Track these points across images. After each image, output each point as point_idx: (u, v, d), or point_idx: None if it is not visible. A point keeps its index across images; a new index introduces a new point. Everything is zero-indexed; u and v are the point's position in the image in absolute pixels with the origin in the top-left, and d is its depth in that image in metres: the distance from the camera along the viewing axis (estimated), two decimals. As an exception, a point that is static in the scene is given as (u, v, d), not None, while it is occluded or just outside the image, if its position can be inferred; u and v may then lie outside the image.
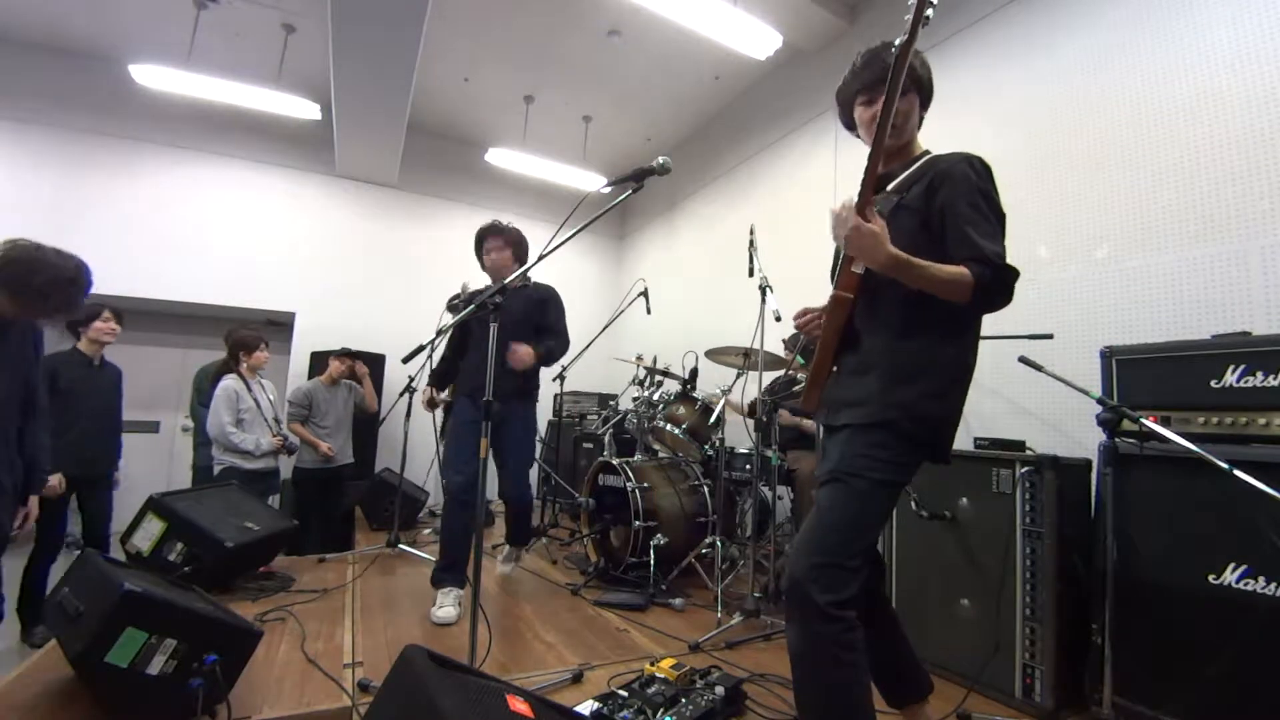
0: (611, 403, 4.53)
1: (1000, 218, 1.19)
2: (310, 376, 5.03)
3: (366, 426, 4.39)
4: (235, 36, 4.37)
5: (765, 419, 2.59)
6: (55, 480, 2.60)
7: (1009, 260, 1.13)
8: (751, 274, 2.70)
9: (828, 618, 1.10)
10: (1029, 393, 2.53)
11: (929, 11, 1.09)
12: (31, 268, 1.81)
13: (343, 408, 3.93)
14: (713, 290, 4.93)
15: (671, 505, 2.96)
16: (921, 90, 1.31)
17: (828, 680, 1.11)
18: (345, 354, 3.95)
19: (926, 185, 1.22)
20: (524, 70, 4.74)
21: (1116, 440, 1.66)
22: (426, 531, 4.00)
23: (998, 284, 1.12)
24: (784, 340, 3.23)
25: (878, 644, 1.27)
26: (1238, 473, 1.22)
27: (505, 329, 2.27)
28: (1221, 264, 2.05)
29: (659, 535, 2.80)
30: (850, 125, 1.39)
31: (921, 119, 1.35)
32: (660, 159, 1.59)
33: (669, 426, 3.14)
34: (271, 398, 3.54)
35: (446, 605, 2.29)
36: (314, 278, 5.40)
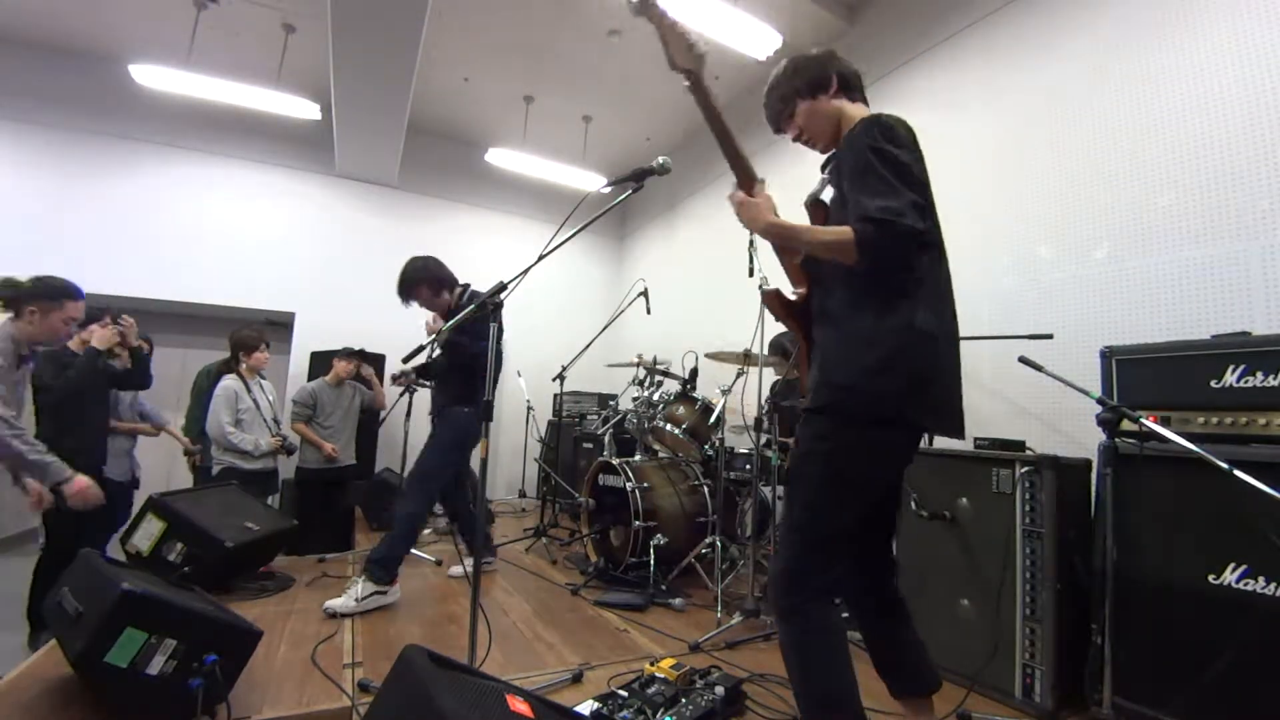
0: (611, 403, 4.53)
1: (898, 170, 1.13)
2: (310, 376, 5.04)
3: (366, 426, 4.38)
4: (235, 36, 4.36)
5: (767, 420, 2.59)
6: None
7: (907, 218, 1.08)
8: (751, 274, 2.69)
9: (794, 617, 1.16)
10: (1029, 393, 2.53)
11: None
12: None
13: (347, 408, 3.93)
14: (713, 290, 4.93)
15: (671, 505, 2.96)
16: (817, 88, 1.35)
17: (810, 674, 1.16)
18: (349, 354, 3.94)
19: (839, 160, 1.25)
20: (524, 70, 4.74)
21: (1116, 440, 1.66)
22: (426, 531, 4.00)
23: (881, 240, 1.08)
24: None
25: (884, 637, 1.31)
26: (1238, 473, 1.22)
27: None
28: (1221, 264, 2.05)
29: (659, 535, 2.80)
30: None
31: (852, 98, 1.37)
32: (660, 159, 1.59)
33: (669, 426, 3.14)
34: (271, 398, 3.54)
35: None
36: (314, 278, 5.40)
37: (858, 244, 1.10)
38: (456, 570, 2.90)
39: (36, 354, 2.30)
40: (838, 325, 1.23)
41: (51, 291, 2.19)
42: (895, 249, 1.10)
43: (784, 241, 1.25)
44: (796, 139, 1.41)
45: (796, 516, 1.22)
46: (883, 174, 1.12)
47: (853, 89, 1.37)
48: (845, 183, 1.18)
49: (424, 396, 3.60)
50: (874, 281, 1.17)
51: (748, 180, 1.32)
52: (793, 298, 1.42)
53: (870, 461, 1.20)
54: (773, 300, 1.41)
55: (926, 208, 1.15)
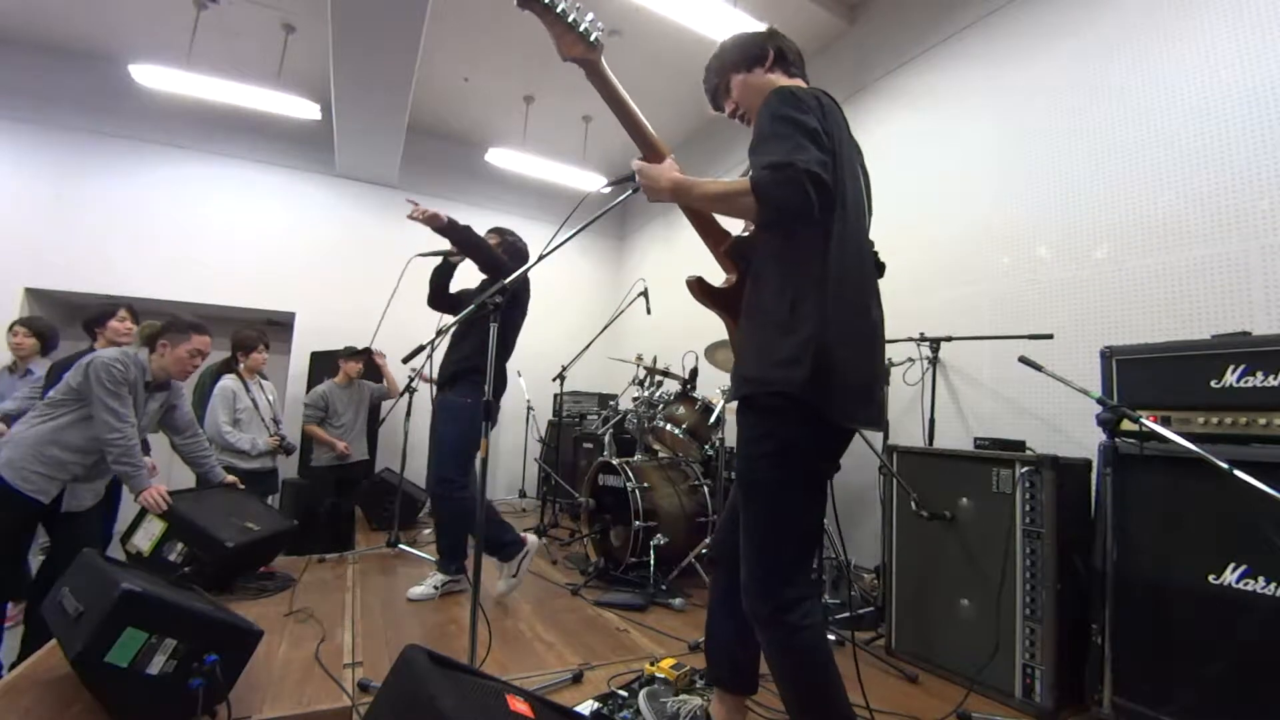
0: (611, 403, 4.52)
1: (802, 132, 1.09)
2: (310, 376, 5.04)
3: (367, 426, 4.41)
4: (235, 36, 4.36)
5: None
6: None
7: (810, 164, 1.04)
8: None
9: (774, 624, 1.14)
10: (1029, 393, 2.53)
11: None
12: None
13: (357, 406, 3.99)
14: (713, 290, 4.91)
15: (671, 505, 2.96)
16: (753, 61, 1.36)
17: (797, 680, 1.15)
18: (354, 353, 3.99)
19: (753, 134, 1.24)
20: (524, 70, 4.74)
21: (1116, 440, 1.66)
22: (426, 531, 4.01)
23: (779, 182, 1.04)
24: None
25: (743, 632, 1.27)
26: (1238, 473, 1.22)
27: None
28: (1221, 264, 2.05)
29: (659, 535, 2.80)
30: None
31: (789, 74, 1.37)
32: (659, 158, 1.59)
33: (669, 426, 3.14)
34: (271, 398, 3.54)
35: (420, 585, 2.55)
36: (314, 278, 5.40)
37: (754, 189, 1.06)
38: (416, 591, 2.55)
39: (174, 389, 2.55)
40: (758, 316, 1.20)
41: (180, 326, 2.41)
42: (795, 193, 1.03)
43: (687, 199, 1.22)
44: (732, 115, 1.41)
45: (755, 523, 1.17)
46: (787, 136, 1.08)
47: (790, 64, 1.37)
48: (750, 154, 1.15)
49: (423, 398, 3.61)
50: (794, 265, 1.15)
51: (657, 159, 1.33)
52: (718, 285, 1.41)
53: (816, 455, 1.18)
54: (696, 288, 1.40)
55: (833, 167, 1.10)
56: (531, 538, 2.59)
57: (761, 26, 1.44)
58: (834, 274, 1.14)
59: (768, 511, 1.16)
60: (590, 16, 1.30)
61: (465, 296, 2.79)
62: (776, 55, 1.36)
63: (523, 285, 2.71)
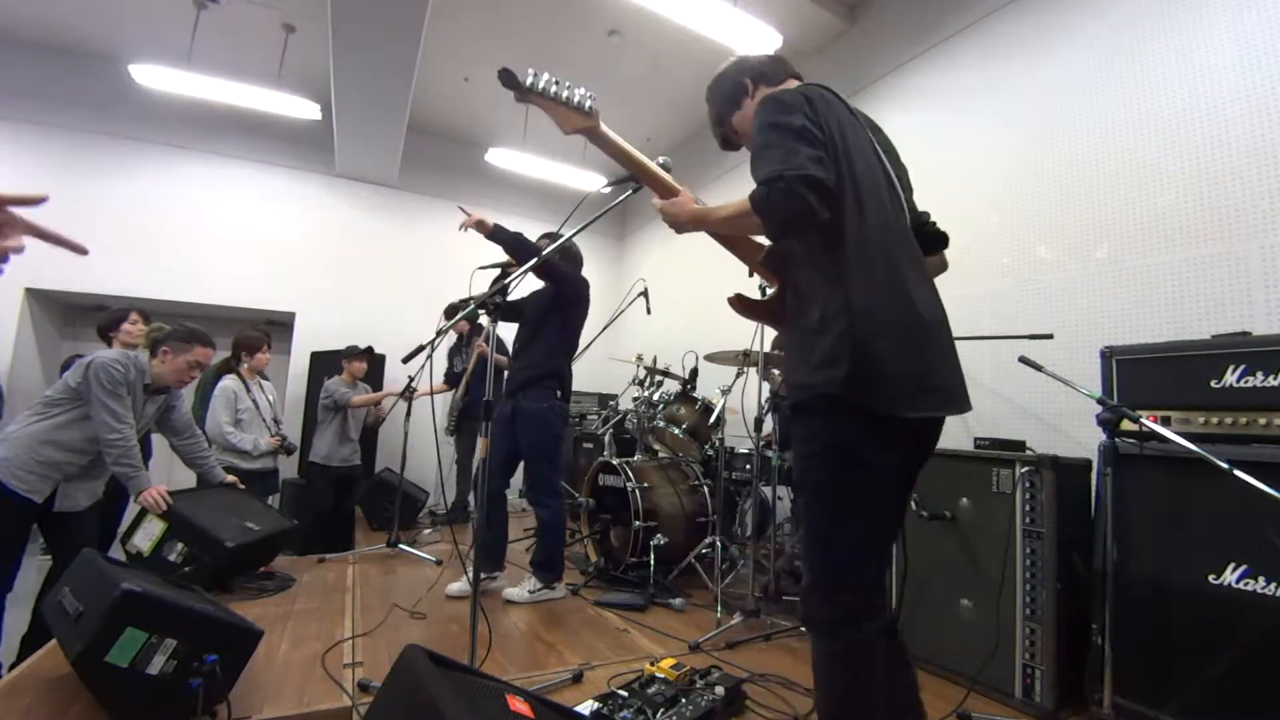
0: (611, 403, 4.52)
1: (791, 135, 1.09)
2: (310, 376, 5.04)
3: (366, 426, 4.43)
4: (235, 36, 4.36)
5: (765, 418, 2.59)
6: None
7: (803, 169, 1.04)
8: (752, 274, 2.69)
9: (832, 635, 1.10)
10: (1029, 393, 2.53)
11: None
12: None
13: (359, 410, 4.03)
14: (713, 290, 4.93)
15: (671, 505, 2.96)
16: (740, 96, 1.37)
17: (835, 694, 1.11)
18: (359, 353, 4.02)
19: None
20: (524, 70, 4.74)
21: (1116, 440, 1.66)
22: (426, 531, 4.01)
23: (774, 196, 1.04)
24: None
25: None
26: (1238, 473, 1.22)
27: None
28: (1221, 264, 2.05)
29: (659, 535, 2.80)
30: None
31: (766, 87, 1.37)
32: (661, 158, 1.59)
33: (669, 426, 3.14)
34: (271, 398, 3.54)
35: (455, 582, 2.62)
36: (314, 278, 5.40)
37: (754, 208, 1.08)
38: (455, 588, 2.63)
39: (172, 391, 2.55)
40: (796, 321, 1.20)
41: (185, 335, 2.42)
42: (793, 203, 1.03)
43: (708, 227, 1.28)
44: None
45: (813, 526, 1.14)
46: (776, 144, 1.09)
47: (771, 77, 1.36)
48: (750, 172, 1.15)
49: (423, 399, 3.60)
50: (816, 266, 1.15)
51: (670, 195, 1.38)
52: (758, 298, 1.42)
53: (872, 453, 1.11)
54: (738, 305, 1.40)
55: (829, 160, 1.09)
56: (563, 589, 2.66)
57: (759, 31, 1.45)
58: (854, 267, 1.12)
59: (823, 513, 1.13)
60: (581, 90, 1.36)
61: (523, 305, 2.84)
62: (756, 78, 1.36)
63: (584, 285, 2.81)
